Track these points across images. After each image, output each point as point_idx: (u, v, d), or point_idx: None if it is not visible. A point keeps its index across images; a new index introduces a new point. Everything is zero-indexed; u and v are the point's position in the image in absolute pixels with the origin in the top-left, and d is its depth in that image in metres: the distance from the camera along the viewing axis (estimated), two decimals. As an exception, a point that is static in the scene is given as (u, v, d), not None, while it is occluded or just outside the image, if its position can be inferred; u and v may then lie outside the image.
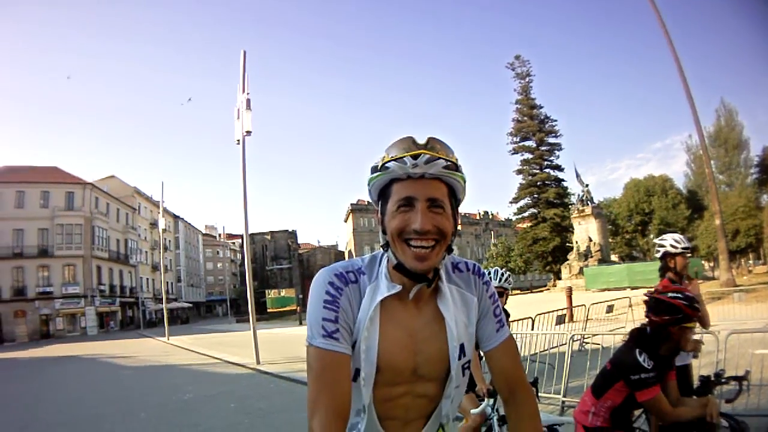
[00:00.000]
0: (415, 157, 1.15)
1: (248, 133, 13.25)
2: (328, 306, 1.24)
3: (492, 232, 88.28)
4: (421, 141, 1.19)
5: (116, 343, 28.49)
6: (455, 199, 1.25)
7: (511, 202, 54.05)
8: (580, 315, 12.59)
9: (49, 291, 45.31)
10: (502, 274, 3.79)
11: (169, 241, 70.90)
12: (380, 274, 1.29)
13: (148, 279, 64.32)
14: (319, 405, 1.18)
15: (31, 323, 43.88)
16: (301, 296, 52.77)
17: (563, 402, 5.79)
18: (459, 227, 1.32)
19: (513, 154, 53.62)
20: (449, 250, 1.26)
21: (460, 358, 1.30)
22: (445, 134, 1.23)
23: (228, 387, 10.48)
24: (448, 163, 1.18)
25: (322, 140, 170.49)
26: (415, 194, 1.19)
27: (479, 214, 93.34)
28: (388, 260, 1.27)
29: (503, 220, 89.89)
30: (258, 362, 12.85)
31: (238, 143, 13.42)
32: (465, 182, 1.25)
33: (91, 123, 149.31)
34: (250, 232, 14.18)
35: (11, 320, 42.86)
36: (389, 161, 1.19)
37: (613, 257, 49.06)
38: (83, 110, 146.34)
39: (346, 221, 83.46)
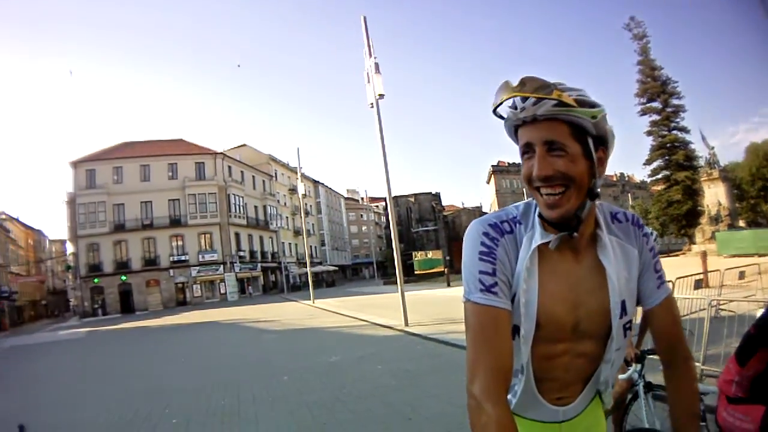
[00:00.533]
0: (522, 100, 1.19)
1: (381, 96, 14.64)
2: (485, 258, 1.27)
3: (629, 194, 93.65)
4: (516, 84, 1.22)
5: (258, 308, 31.47)
6: (589, 137, 1.23)
7: (644, 164, 58.40)
8: (715, 281, 12.07)
9: (184, 259, 51.56)
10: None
11: (310, 206, 77.34)
12: (535, 222, 1.31)
13: (290, 244, 70.71)
14: (479, 366, 1.22)
15: (165, 292, 50.38)
16: (448, 258, 55.35)
17: (702, 371, 5.68)
18: (603, 170, 1.27)
19: (641, 115, 58.28)
20: (592, 196, 1.26)
21: (621, 317, 1.32)
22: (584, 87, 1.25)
23: (375, 349, 11.17)
24: (556, 101, 1.17)
25: (462, 102, 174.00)
26: (531, 139, 1.23)
27: (616, 175, 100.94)
28: None
29: (639, 182, 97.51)
30: (406, 324, 13.63)
31: (372, 107, 14.81)
32: (597, 116, 1.21)
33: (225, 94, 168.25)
34: (393, 194, 15.28)
35: (143, 290, 49.67)
36: (496, 110, 1.26)
37: (741, 222, 50.70)
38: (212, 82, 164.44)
39: (488, 182, 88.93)
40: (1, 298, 54.08)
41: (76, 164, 50.90)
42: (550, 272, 1.30)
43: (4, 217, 65.07)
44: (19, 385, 12.26)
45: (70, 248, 61.19)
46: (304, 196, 37.40)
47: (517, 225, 1.32)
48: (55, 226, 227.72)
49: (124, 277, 49.61)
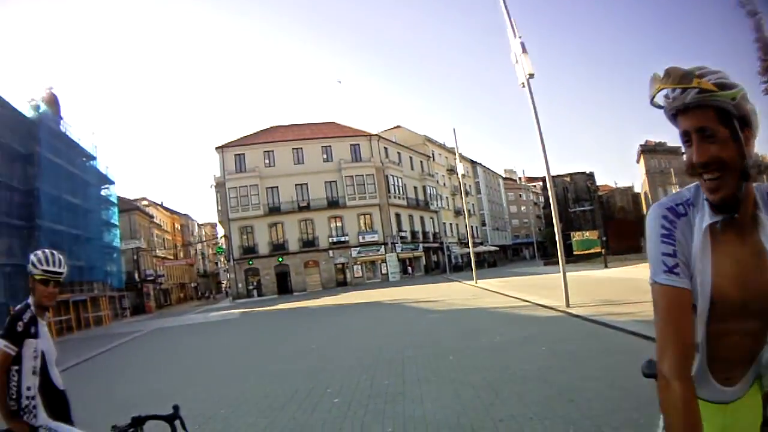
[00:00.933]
0: (672, 90, 1.32)
1: (531, 76, 14.71)
2: (666, 240, 1.39)
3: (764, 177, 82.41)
4: (661, 75, 1.35)
5: (420, 288, 32.00)
6: (735, 119, 1.31)
7: (779, 144, 51.80)
8: None
9: (344, 240, 53.22)
10: None
11: (469, 185, 78.09)
12: (704, 205, 1.41)
13: (451, 224, 71.75)
14: (668, 346, 1.34)
15: (325, 272, 52.33)
16: (604, 238, 54.17)
17: None
18: (750, 150, 1.34)
19: (766, 94, 51.78)
20: (746, 177, 1.33)
21: None
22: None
23: (537, 329, 11.37)
24: (698, 88, 1.27)
25: (611, 77, 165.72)
26: (686, 127, 1.34)
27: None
28: None
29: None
30: (567, 305, 13.70)
31: (523, 86, 14.92)
32: (737, 97, 1.29)
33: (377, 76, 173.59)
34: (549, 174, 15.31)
35: (301, 271, 51.92)
36: (653, 101, 1.39)
37: None
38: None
39: (638, 162, 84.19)
40: (146, 282, 58.06)
41: (223, 149, 53.96)
42: (720, 253, 1.38)
43: (146, 203, 69.61)
44: (173, 363, 13.52)
45: (220, 231, 63.87)
46: (464, 176, 37.80)
47: (690, 207, 1.42)
48: (204, 210, 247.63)
49: (281, 259, 51.86)
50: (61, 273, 3.11)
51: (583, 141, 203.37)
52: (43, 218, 30.83)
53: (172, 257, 76.74)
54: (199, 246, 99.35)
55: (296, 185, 53.38)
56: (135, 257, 56.88)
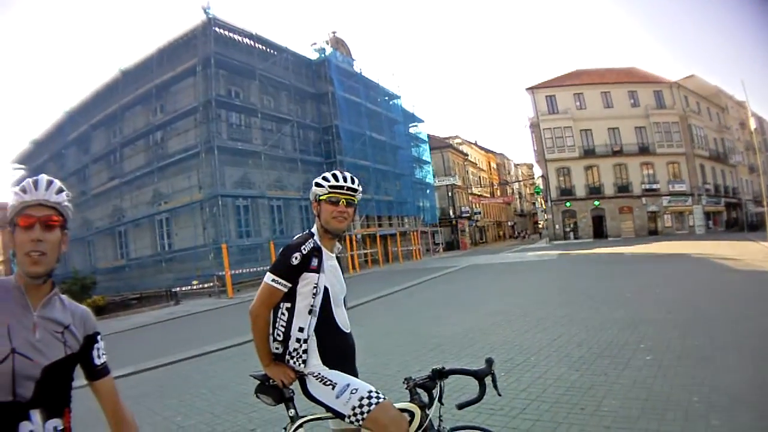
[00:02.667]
0: None
1: None
2: None
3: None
4: None
5: (722, 244, 29.09)
6: None
7: None
8: None
9: (655, 188, 50.76)
10: None
11: (760, 141, 71.30)
12: None
13: (746, 180, 66.91)
14: None
15: (638, 219, 50.50)
16: None
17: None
18: None
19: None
20: None
21: None
22: None
23: None
24: None
25: None
26: None
27: None
28: None
29: None
30: None
31: None
32: None
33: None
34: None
35: (616, 216, 50.55)
36: None
37: None
38: None
39: None
40: (460, 218, 59.97)
41: (534, 90, 54.02)
42: None
43: (459, 141, 70.96)
44: (482, 303, 12.84)
45: (537, 171, 63.86)
46: (755, 130, 34.63)
47: None
48: (519, 150, 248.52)
49: (596, 203, 51.22)
50: (354, 189, 2.72)
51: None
52: (344, 154, 33.42)
53: (488, 195, 78.09)
54: (516, 185, 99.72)
55: (608, 129, 52.03)
56: (449, 194, 59.29)
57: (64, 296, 1.77)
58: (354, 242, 34.07)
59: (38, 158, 40.27)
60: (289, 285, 2.58)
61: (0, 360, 1.51)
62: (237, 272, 24.22)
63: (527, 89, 54.84)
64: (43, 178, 1.69)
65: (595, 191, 51.91)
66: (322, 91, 35.12)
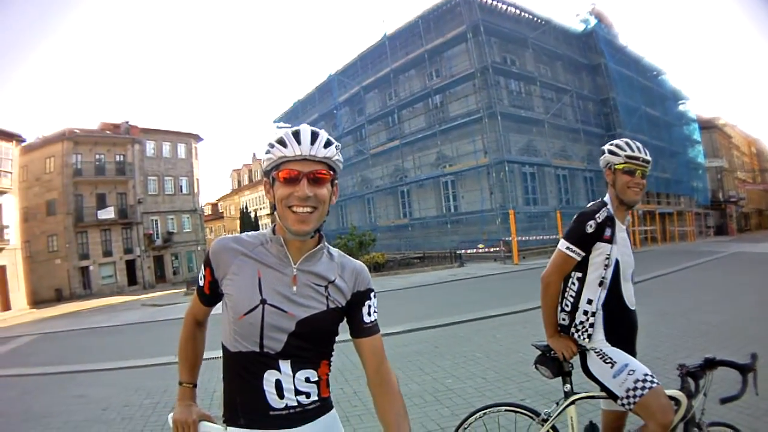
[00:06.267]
0: None
1: None
2: None
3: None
4: None
5: None
6: None
7: None
8: None
9: None
10: None
11: None
12: None
13: None
14: None
15: None
16: None
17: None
18: None
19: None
20: None
21: None
22: None
23: None
24: None
25: None
26: None
27: None
28: None
29: None
30: None
31: None
32: None
33: None
34: None
35: None
36: None
37: None
38: None
39: None
40: (728, 203, 56.76)
41: None
42: None
43: (723, 122, 65.75)
44: (752, 295, 10.94)
45: None
46: None
47: None
48: None
49: None
50: (648, 161, 2.51)
51: None
52: (623, 128, 31.70)
53: (750, 180, 73.97)
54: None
55: None
56: (719, 176, 56.28)
57: (335, 250, 1.68)
58: (636, 217, 32.67)
59: (305, 117, 42.15)
60: (583, 254, 2.49)
61: (249, 309, 1.49)
62: (523, 239, 23.68)
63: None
64: (306, 130, 1.51)
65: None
66: (594, 63, 33.94)
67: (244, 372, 1.52)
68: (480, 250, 24.38)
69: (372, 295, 1.68)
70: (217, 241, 1.62)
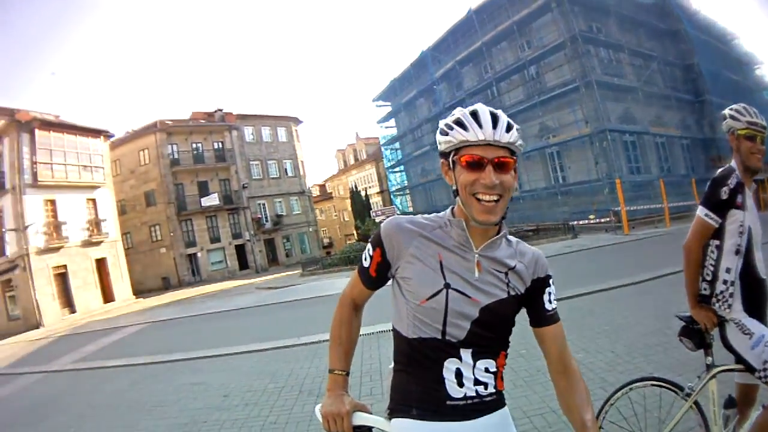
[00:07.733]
0: None
1: None
2: None
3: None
4: None
5: None
6: None
7: None
8: None
9: None
10: None
11: None
12: None
13: None
14: None
15: None
16: None
17: None
18: None
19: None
20: None
21: None
22: None
23: None
24: None
25: None
26: None
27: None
28: None
29: None
30: None
31: None
32: None
33: None
34: None
35: None
36: None
37: None
38: None
39: None
40: None
41: None
42: None
43: None
44: None
45: None
46: None
47: None
48: None
49: None
50: (765, 127, 2.53)
51: None
52: (711, 93, 31.12)
53: None
54: None
55: None
56: None
57: (512, 237, 1.62)
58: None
59: (403, 95, 42.98)
60: (720, 220, 2.50)
61: (432, 294, 1.45)
62: (630, 209, 23.33)
63: None
64: (485, 111, 1.45)
65: None
66: (674, 29, 33.37)
67: (424, 359, 1.49)
68: (591, 221, 24.51)
69: (551, 281, 1.62)
70: (390, 221, 1.57)
